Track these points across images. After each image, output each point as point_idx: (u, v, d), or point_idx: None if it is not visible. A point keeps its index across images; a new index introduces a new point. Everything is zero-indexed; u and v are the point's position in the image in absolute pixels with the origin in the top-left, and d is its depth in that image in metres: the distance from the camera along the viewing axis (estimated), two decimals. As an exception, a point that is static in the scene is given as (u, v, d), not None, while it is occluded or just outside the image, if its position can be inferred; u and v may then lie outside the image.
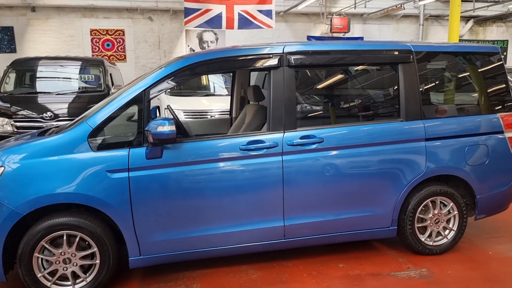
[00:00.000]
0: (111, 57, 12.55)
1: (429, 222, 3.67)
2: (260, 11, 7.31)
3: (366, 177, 3.39)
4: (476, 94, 3.81)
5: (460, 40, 15.10)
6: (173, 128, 2.88)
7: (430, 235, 3.70)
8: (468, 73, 3.78)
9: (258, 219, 3.25)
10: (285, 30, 13.80)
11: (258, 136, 3.20)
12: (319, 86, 3.46)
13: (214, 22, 7.22)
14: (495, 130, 3.71)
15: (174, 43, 12.96)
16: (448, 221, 3.73)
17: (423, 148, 3.49)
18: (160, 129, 2.86)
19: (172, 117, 3.79)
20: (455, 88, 3.75)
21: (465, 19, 14.94)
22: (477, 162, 3.64)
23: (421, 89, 3.53)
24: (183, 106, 7.89)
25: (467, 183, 3.68)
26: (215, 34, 12.90)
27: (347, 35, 13.70)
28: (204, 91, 9.02)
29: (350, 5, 12.48)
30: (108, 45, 12.56)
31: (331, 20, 13.23)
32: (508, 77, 10.50)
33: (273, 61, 3.23)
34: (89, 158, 2.93)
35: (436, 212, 3.67)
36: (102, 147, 2.98)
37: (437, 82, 3.69)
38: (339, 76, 3.59)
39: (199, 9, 7.08)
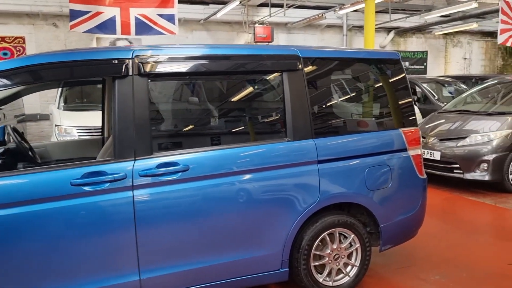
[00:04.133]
0: (10, 67, 11.17)
1: (327, 259, 3.09)
2: (161, 16, 6.57)
3: (245, 211, 2.75)
4: (375, 107, 3.32)
5: (382, 50, 15.30)
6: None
7: (329, 274, 3.12)
8: (365, 83, 3.28)
9: (103, 275, 2.48)
10: (207, 39, 13.16)
11: (98, 167, 2.45)
12: (184, 100, 2.79)
13: (107, 27, 6.38)
14: (398, 148, 3.23)
15: (83, 52, 11.82)
16: (349, 255, 3.18)
17: (315, 172, 2.91)
18: None
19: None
20: (351, 101, 3.24)
21: (387, 30, 15.17)
22: (378, 185, 3.13)
23: (311, 103, 2.96)
24: (77, 122, 6.94)
25: (369, 211, 3.16)
26: (130, 42, 11.95)
27: (271, 44, 13.31)
28: (108, 104, 8.08)
29: (271, 13, 12.10)
30: (5, 53, 11.18)
31: (254, 29, 12.77)
32: (427, 87, 10.39)
33: (118, 68, 2.50)
34: None
35: (334, 246, 3.10)
36: None
37: (330, 94, 3.15)
38: (211, 88, 2.93)
39: (87, 12, 6.21)
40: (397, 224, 3.28)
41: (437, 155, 6.40)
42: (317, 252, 3.05)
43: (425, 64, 16.23)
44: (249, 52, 2.85)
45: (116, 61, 2.51)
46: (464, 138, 6.25)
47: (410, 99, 3.34)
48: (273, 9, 12.11)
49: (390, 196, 3.20)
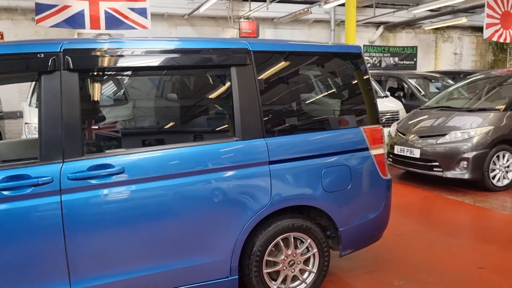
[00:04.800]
0: (-12, 63, 10.92)
1: (281, 265, 2.92)
2: (132, 9, 6.35)
3: (188, 216, 2.56)
4: (334, 104, 3.14)
5: (371, 46, 15.13)
6: None
7: (284, 281, 2.95)
8: (323, 78, 3.10)
9: (28, 287, 2.29)
10: (192, 35, 12.92)
11: (20, 170, 2.26)
12: (122, 97, 2.60)
13: (76, 21, 6.15)
14: (358, 147, 3.05)
15: (65, 48, 11.57)
16: (306, 261, 3.01)
17: (266, 173, 2.73)
18: None
19: None
20: (307, 97, 3.05)
21: (376, 25, 14.99)
22: (337, 187, 2.95)
23: (262, 99, 2.78)
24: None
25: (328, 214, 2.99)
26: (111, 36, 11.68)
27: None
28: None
29: (251, 8, 11.89)
30: (-17, 49, 10.92)
31: (239, 24, 12.56)
32: (413, 83, 10.22)
33: (44, 63, 2.31)
34: None
35: (289, 252, 2.92)
36: None
37: (284, 90, 2.96)
38: (153, 84, 2.74)
39: (55, 6, 5.98)
40: (358, 227, 3.11)
41: (416, 153, 6.23)
42: (271, 258, 2.87)
43: (415, 59, 16.06)
44: (193, 46, 2.66)
45: (43, 55, 2.31)
46: (444, 135, 6.08)
47: (373, 95, 3.17)
48: (257, 4, 11.90)
49: (350, 198, 3.03)
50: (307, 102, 3.02)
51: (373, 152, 3.10)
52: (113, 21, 6.29)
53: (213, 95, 2.84)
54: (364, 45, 15.08)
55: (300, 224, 2.90)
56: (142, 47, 2.51)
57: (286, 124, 2.90)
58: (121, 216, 2.41)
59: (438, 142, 6.06)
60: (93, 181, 2.35)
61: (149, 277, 2.53)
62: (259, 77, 2.79)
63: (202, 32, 13.02)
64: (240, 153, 2.68)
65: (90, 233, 2.37)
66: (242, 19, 12.57)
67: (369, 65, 15.20)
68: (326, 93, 3.09)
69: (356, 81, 3.13)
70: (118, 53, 2.46)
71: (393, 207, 5.32)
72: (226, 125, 2.76)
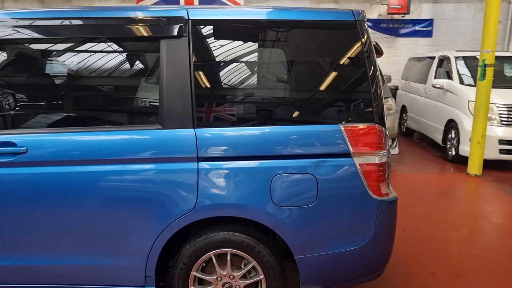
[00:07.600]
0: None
1: (213, 285, 2.38)
2: (226, -15, 6.15)
3: (89, 207, 2.25)
4: (301, 90, 2.32)
5: None
6: None
7: (219, 305, 2.41)
8: (292, 55, 2.31)
9: None
10: (336, 13, 12.08)
11: None
12: (34, 72, 2.38)
13: (172, -1, 6.30)
14: (334, 152, 2.23)
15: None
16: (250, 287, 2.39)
17: (193, 172, 2.22)
18: None
19: None
20: (264, 81, 2.34)
21: None
22: (293, 201, 2.22)
23: (198, 81, 2.24)
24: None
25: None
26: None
27: (408, 17, 11.52)
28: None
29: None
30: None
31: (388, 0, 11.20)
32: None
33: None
34: None
35: (224, 272, 2.35)
36: None
37: (232, 71, 2.32)
38: (67, 58, 2.44)
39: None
40: (327, 258, 2.30)
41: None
42: (200, 275, 2.36)
43: None
44: (116, 14, 2.28)
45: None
46: None
47: (370, 81, 2.25)
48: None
49: (314, 219, 2.25)
50: (262, 87, 2.32)
51: (359, 160, 2.23)
52: (207, -3, 6.21)
53: (138, 74, 2.41)
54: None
55: (240, 240, 2.29)
56: (51, 16, 2.26)
57: (228, 114, 2.28)
58: (21, 199, 2.26)
59: None
60: (-7, 159, 2.25)
61: (51, 268, 2.34)
62: (197, 53, 2.24)
63: (348, 8, 12.04)
64: (158, 144, 2.22)
65: (-11, 212, 2.29)
66: (391, -6, 11.17)
67: None
68: (293, 76, 2.31)
69: (341, 60, 2.27)
70: (30, 23, 2.27)
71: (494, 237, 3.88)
72: (149, 110, 2.32)
